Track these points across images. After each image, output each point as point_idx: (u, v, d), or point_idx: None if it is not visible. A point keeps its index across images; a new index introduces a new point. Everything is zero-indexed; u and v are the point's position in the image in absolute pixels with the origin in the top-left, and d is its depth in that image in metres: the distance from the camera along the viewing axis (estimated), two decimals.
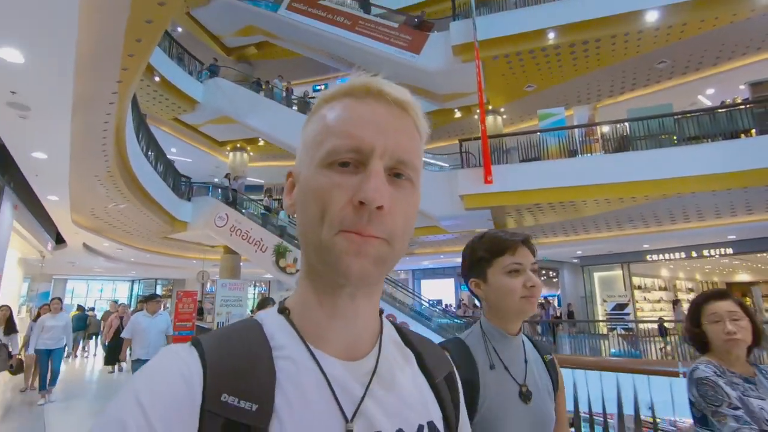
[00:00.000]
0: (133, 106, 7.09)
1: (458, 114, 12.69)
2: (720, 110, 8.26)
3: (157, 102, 11.61)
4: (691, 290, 16.20)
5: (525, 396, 0.98)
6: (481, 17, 9.65)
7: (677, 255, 12.37)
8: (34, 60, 3.17)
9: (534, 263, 1.04)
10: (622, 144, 8.66)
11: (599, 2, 8.72)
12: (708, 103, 11.27)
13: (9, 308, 6.25)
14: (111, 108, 4.50)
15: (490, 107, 11.83)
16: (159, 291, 24.22)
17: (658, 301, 14.44)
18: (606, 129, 9.26)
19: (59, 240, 12.45)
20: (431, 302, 12.47)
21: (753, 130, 7.69)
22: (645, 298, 14.02)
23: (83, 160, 5.73)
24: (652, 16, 8.53)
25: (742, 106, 8.07)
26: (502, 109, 12.27)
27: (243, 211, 12.21)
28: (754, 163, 7.31)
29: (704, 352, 1.42)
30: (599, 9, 8.69)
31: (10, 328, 6.05)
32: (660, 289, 14.88)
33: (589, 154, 8.80)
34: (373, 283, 0.46)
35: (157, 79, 10.46)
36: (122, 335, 5.12)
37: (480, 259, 1.07)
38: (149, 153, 9.37)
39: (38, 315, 6.89)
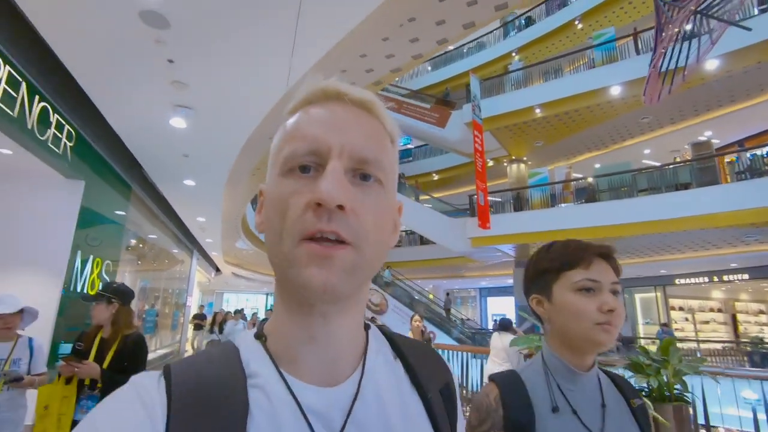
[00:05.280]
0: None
1: (491, 163, 15.55)
2: (667, 167, 9.96)
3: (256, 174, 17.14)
4: (762, 312, 15.74)
5: None
6: (484, 99, 12.72)
7: (701, 279, 13.21)
8: (208, 220, 8.07)
9: (615, 282, 0.82)
10: (592, 195, 10.83)
11: (570, 83, 11.16)
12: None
13: (224, 313, 9.87)
14: (238, 219, 9.32)
15: (513, 157, 14.54)
16: None
17: (708, 323, 14.82)
18: (591, 180, 11.47)
19: (217, 270, 18.95)
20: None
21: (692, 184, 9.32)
22: (686, 319, 14.66)
23: (227, 238, 10.97)
24: (615, 90, 10.60)
25: (683, 163, 9.70)
26: (525, 158, 14.78)
27: None
28: (698, 210, 9.00)
29: None
30: (570, 89, 11.08)
31: (221, 329, 9.07)
32: (711, 311, 15.15)
33: (563, 205, 11.16)
34: (344, 297, 0.40)
35: None
36: None
37: (544, 271, 0.87)
38: None
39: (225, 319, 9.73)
